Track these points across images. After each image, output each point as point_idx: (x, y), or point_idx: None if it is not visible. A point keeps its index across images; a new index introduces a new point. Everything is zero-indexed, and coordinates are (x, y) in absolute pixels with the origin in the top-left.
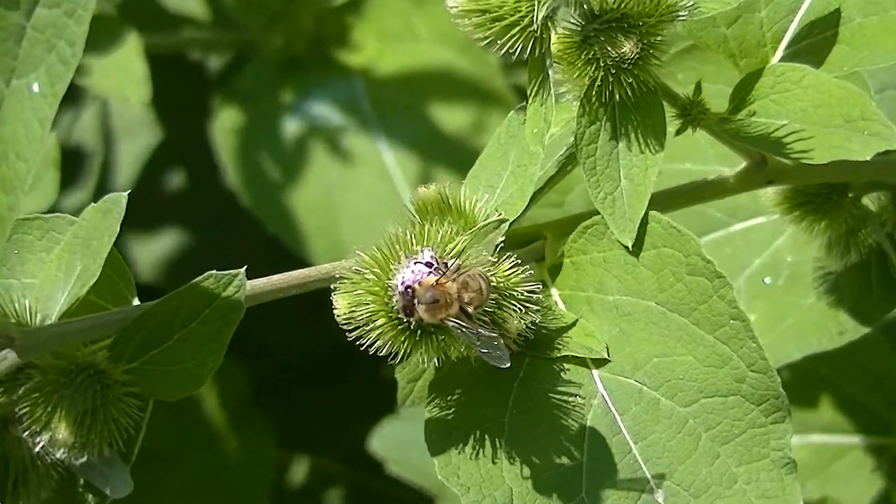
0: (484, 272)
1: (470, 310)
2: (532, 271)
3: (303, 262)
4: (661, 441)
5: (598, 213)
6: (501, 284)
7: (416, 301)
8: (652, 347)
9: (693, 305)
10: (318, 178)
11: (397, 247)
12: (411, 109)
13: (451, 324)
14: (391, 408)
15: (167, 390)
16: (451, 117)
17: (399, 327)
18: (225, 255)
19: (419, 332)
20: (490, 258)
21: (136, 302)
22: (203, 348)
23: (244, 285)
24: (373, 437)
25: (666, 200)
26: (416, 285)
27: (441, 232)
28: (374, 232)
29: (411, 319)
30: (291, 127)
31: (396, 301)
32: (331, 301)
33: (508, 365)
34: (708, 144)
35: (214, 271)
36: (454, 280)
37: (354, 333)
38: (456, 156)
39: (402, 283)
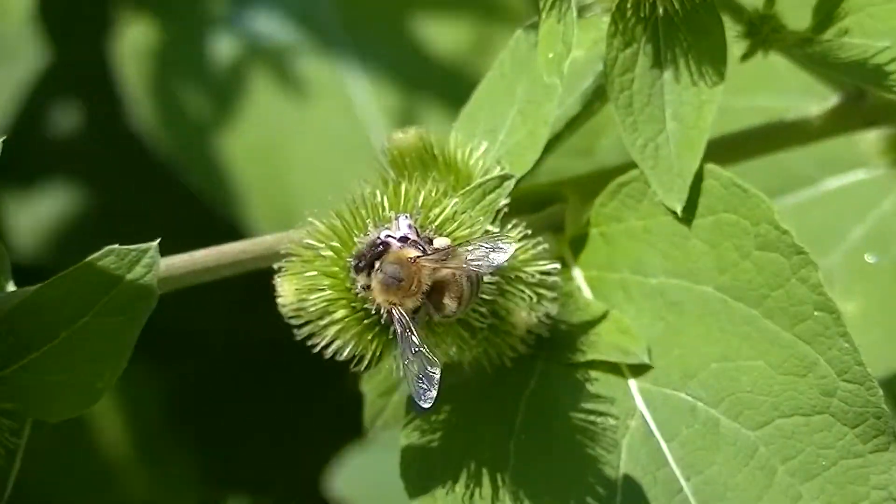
0: (478, 269)
1: (436, 317)
2: (547, 245)
3: (238, 233)
4: (721, 476)
5: (637, 167)
6: (505, 263)
7: (376, 267)
8: (709, 349)
9: (765, 292)
10: (259, 117)
11: (363, 212)
12: (390, 23)
13: (395, 315)
14: (356, 431)
15: (50, 408)
16: (442, 35)
17: (365, 321)
18: (132, 222)
19: (391, 327)
20: (490, 228)
21: (10, 287)
22: (100, 351)
23: (157, 264)
24: (332, 472)
25: (729, 149)
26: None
27: (423, 192)
28: (333, 191)
29: (358, 283)
30: (223, 47)
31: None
32: (274, 286)
33: (428, 407)
34: (787, 72)
35: (116, 245)
36: (436, 264)
37: (305, 330)
38: (448, 88)
39: (378, 239)
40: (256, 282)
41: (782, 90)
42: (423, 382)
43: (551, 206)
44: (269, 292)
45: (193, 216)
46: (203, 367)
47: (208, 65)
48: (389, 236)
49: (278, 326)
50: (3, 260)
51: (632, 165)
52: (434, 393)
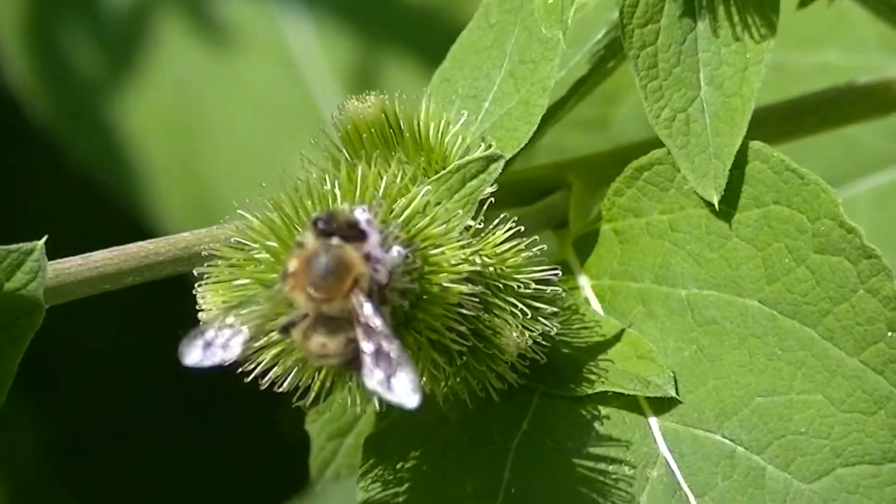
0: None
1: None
2: (545, 246)
3: (142, 225)
4: None
5: (661, 145)
6: (491, 269)
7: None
8: (753, 379)
9: (825, 306)
10: (169, 74)
11: (309, 203)
12: None
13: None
14: (297, 480)
15: None
16: None
17: None
18: (7, 213)
19: None
20: (471, 223)
21: None
22: None
23: (44, 269)
24: None
25: (782, 122)
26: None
27: (386, 178)
28: (267, 173)
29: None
30: None
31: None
32: (192, 297)
33: (415, 405)
34: (861, 22)
35: None
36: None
37: (237, 353)
38: (416, 41)
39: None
40: (170, 292)
41: (854, 45)
42: (394, 383)
43: (551, 196)
44: (187, 305)
45: (82, 203)
46: (101, 401)
47: (102, 6)
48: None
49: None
50: None
51: (655, 144)
52: (413, 386)
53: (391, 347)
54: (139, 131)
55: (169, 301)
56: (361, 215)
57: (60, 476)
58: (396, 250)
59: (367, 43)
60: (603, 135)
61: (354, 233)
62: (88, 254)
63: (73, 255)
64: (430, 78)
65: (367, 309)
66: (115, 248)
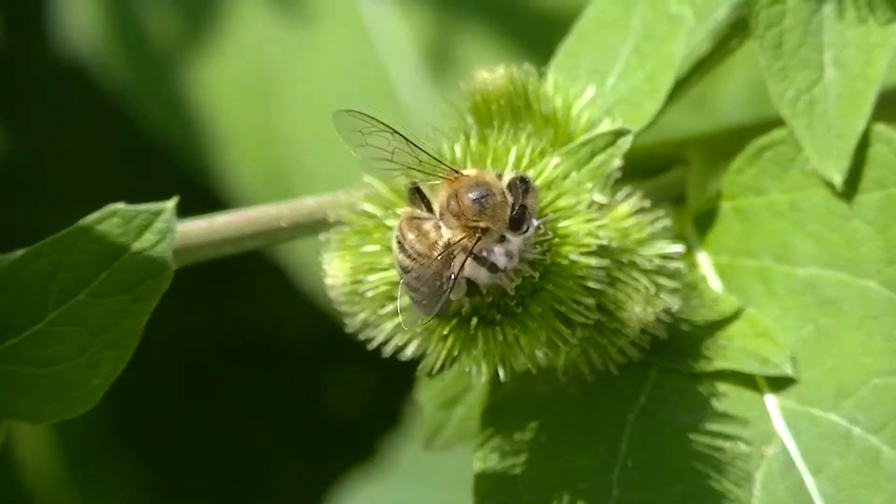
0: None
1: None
2: (668, 222)
3: (215, 192)
4: None
5: (783, 125)
6: (615, 243)
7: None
8: (871, 360)
9: None
10: (246, 42)
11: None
12: None
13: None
14: (359, 457)
15: (34, 408)
16: None
17: None
18: (72, 176)
19: (474, 319)
20: (598, 197)
21: None
22: (97, 338)
23: (173, 230)
24: None
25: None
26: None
27: (515, 149)
28: (341, 144)
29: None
30: None
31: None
32: (249, 272)
33: (433, 314)
34: None
35: (120, 204)
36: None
37: (358, 319)
38: (500, 13)
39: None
40: (219, 269)
41: None
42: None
43: (669, 172)
44: (237, 281)
45: (155, 169)
46: (153, 374)
47: None
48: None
49: (249, 322)
50: None
51: (775, 122)
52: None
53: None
54: (213, 98)
55: (225, 276)
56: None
57: (113, 442)
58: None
59: (445, 15)
60: (703, 113)
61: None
62: (212, 216)
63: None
64: (507, 53)
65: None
66: (238, 211)
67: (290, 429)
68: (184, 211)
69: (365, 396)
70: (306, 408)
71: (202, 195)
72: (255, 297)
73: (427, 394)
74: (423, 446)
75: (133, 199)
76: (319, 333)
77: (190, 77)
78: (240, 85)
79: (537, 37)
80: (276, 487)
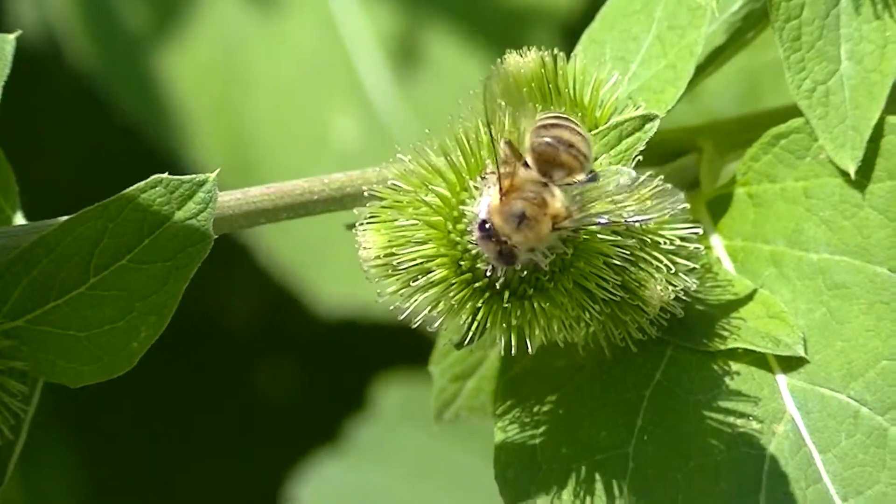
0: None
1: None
2: (687, 205)
3: (177, 171)
4: (887, 499)
5: (798, 115)
6: (638, 224)
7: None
8: (879, 343)
9: None
10: (213, 28)
11: (478, 150)
12: None
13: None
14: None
15: (72, 370)
16: None
17: (476, 285)
18: (42, 154)
19: (506, 293)
20: (624, 179)
21: (18, 219)
22: (137, 303)
23: (215, 200)
24: (295, 484)
25: None
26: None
27: None
28: (305, 130)
29: (505, 268)
30: None
31: (473, 238)
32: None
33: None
34: None
35: (165, 175)
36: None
37: (393, 291)
38: (459, 8)
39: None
40: None
41: None
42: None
43: (682, 157)
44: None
45: (122, 148)
46: None
47: None
48: None
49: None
50: (8, 185)
51: (790, 112)
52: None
53: None
54: (182, 83)
55: None
56: None
57: (55, 423)
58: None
59: (409, 9)
60: (693, 104)
61: None
62: (247, 188)
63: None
64: (470, 47)
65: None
66: (273, 184)
67: (224, 412)
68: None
69: (294, 382)
70: (240, 391)
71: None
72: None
73: (438, 367)
74: (434, 418)
75: (104, 176)
76: (259, 318)
77: (159, 62)
78: (207, 70)
79: (500, 32)
80: (217, 470)
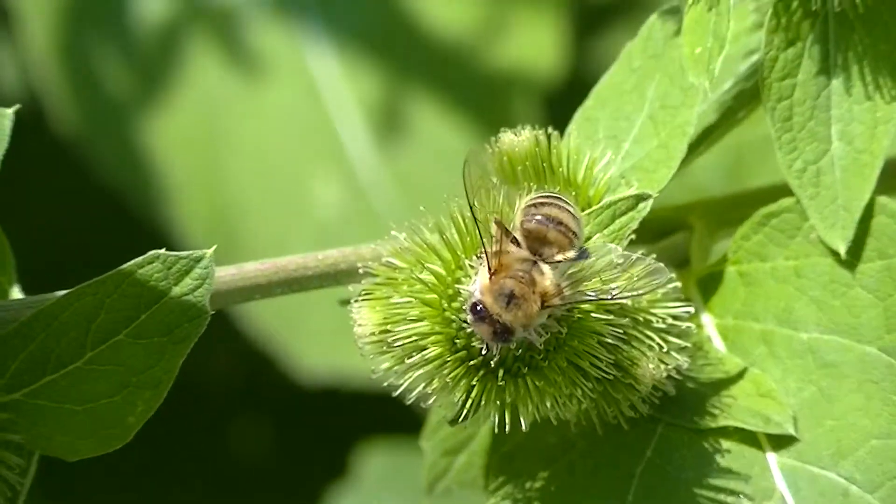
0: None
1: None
2: (678, 284)
3: (164, 237)
4: None
5: (789, 194)
6: (630, 303)
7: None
8: (869, 422)
9: None
10: (196, 95)
11: (473, 228)
12: None
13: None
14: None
15: (68, 444)
16: (441, 7)
17: (469, 363)
18: (23, 222)
19: (500, 370)
20: (619, 257)
21: (15, 293)
22: (134, 378)
23: (212, 276)
24: None
25: (893, 177)
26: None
27: None
28: (287, 197)
29: (500, 346)
30: (154, 3)
31: (467, 319)
32: None
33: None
34: None
35: (162, 251)
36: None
37: (387, 367)
38: (445, 76)
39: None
40: None
41: None
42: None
43: (673, 235)
44: None
45: (106, 215)
46: None
47: (133, 25)
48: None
49: None
50: (5, 258)
51: (780, 191)
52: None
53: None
54: (164, 149)
55: None
56: None
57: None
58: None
59: (390, 75)
60: (679, 179)
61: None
62: (242, 265)
63: (94, 265)
64: (452, 115)
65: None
66: (268, 260)
67: (199, 473)
68: (133, 254)
69: (268, 443)
70: (216, 453)
71: (151, 237)
72: None
73: (430, 443)
74: (425, 492)
75: (86, 241)
76: (236, 381)
77: (142, 127)
78: (190, 135)
79: (481, 101)
80: None
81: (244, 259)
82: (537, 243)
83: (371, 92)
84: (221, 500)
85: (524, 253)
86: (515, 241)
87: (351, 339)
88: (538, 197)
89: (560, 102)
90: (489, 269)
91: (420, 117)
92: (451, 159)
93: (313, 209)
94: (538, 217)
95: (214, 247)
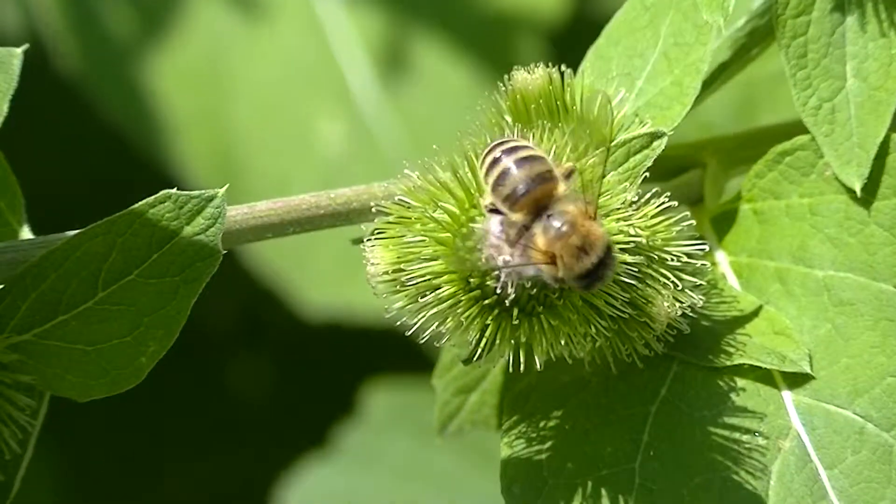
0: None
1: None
2: (693, 221)
3: (166, 175)
4: None
5: (804, 132)
6: (645, 241)
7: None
8: (885, 360)
9: None
10: (198, 35)
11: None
12: None
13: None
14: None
15: (80, 384)
16: None
17: (484, 302)
18: (28, 159)
19: (516, 309)
20: (631, 196)
21: (25, 233)
22: (146, 318)
23: (223, 215)
24: (284, 489)
25: None
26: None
27: (555, 146)
28: (291, 135)
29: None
30: None
31: (484, 254)
32: None
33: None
34: None
35: (174, 190)
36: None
37: (400, 306)
38: (450, 15)
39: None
40: None
41: None
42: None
43: (686, 173)
44: None
45: (110, 155)
46: None
47: None
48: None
49: None
50: (14, 198)
51: (795, 128)
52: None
53: None
54: (168, 89)
55: None
56: None
57: None
58: None
59: (394, 13)
60: (689, 116)
61: None
62: (253, 204)
63: (98, 203)
64: (456, 53)
65: None
66: (279, 199)
67: (202, 412)
68: (141, 193)
69: (275, 385)
70: (219, 392)
71: (154, 175)
72: None
73: (441, 381)
74: (437, 431)
75: (90, 181)
76: (240, 318)
77: (145, 67)
78: (193, 75)
79: (485, 38)
80: (199, 472)
81: (248, 198)
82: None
83: (375, 31)
84: (223, 439)
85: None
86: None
87: (355, 275)
88: (495, 153)
89: (565, 42)
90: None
91: (424, 56)
92: (455, 97)
93: (318, 147)
94: (519, 188)
95: (226, 186)
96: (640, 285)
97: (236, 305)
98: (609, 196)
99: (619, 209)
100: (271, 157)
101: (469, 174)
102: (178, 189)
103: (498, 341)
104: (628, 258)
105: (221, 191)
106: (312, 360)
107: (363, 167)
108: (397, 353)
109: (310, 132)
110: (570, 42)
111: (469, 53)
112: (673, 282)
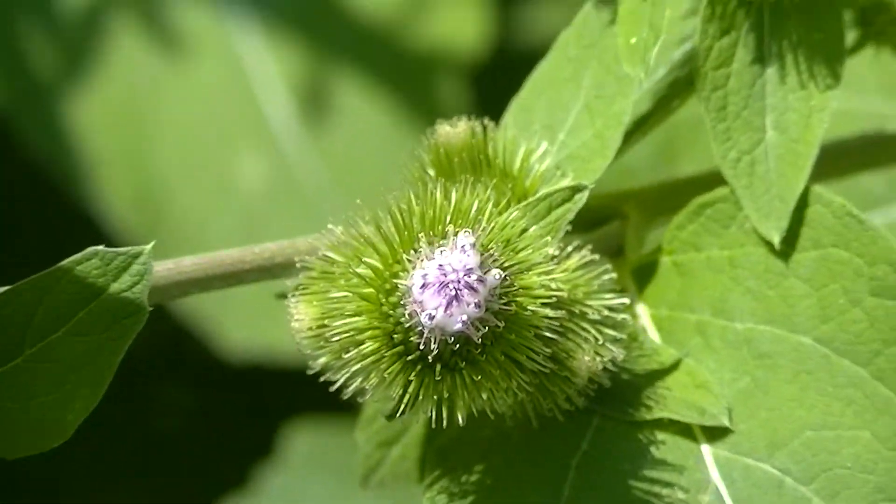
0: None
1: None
2: (614, 275)
3: (87, 214)
4: None
5: (724, 182)
6: (566, 295)
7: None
8: (804, 413)
9: (877, 347)
10: (120, 74)
11: (410, 221)
12: None
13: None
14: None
15: (4, 441)
16: None
17: (407, 357)
18: None
19: (438, 365)
20: (552, 250)
21: None
22: (72, 375)
23: (150, 272)
24: None
25: (825, 165)
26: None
27: (477, 202)
28: (210, 172)
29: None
30: None
31: (408, 310)
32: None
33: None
34: (865, 67)
35: (101, 247)
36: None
37: (324, 362)
38: (370, 56)
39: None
40: None
41: (862, 89)
42: None
43: (607, 224)
44: None
45: (31, 194)
46: None
47: (58, 5)
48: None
49: None
50: None
51: (714, 180)
52: None
53: None
54: (89, 127)
55: None
56: (466, 239)
57: None
58: (495, 273)
59: (316, 53)
60: (610, 167)
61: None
62: (179, 259)
63: (21, 241)
64: (377, 93)
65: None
66: (205, 254)
67: (119, 439)
68: (57, 232)
69: (192, 419)
70: (137, 421)
71: (75, 214)
72: None
73: (364, 434)
74: (360, 484)
75: (11, 218)
76: (159, 351)
77: (67, 104)
78: (114, 113)
79: (407, 76)
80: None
81: (170, 237)
82: None
83: (296, 70)
84: (141, 475)
85: None
86: None
87: (278, 316)
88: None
89: (488, 75)
90: None
91: (345, 95)
92: (376, 136)
93: (239, 187)
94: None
95: (153, 243)
96: (561, 339)
97: (160, 337)
98: (530, 250)
99: (540, 263)
100: (192, 196)
101: (392, 229)
102: (95, 230)
103: (421, 397)
104: (550, 312)
105: (147, 248)
106: (234, 399)
107: (285, 207)
108: (320, 394)
109: (231, 171)
110: (493, 75)
111: (390, 92)
112: (594, 336)
